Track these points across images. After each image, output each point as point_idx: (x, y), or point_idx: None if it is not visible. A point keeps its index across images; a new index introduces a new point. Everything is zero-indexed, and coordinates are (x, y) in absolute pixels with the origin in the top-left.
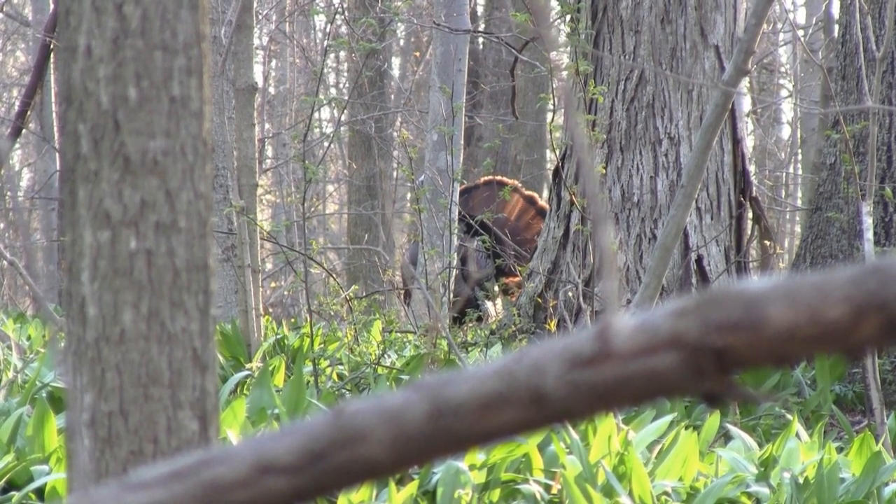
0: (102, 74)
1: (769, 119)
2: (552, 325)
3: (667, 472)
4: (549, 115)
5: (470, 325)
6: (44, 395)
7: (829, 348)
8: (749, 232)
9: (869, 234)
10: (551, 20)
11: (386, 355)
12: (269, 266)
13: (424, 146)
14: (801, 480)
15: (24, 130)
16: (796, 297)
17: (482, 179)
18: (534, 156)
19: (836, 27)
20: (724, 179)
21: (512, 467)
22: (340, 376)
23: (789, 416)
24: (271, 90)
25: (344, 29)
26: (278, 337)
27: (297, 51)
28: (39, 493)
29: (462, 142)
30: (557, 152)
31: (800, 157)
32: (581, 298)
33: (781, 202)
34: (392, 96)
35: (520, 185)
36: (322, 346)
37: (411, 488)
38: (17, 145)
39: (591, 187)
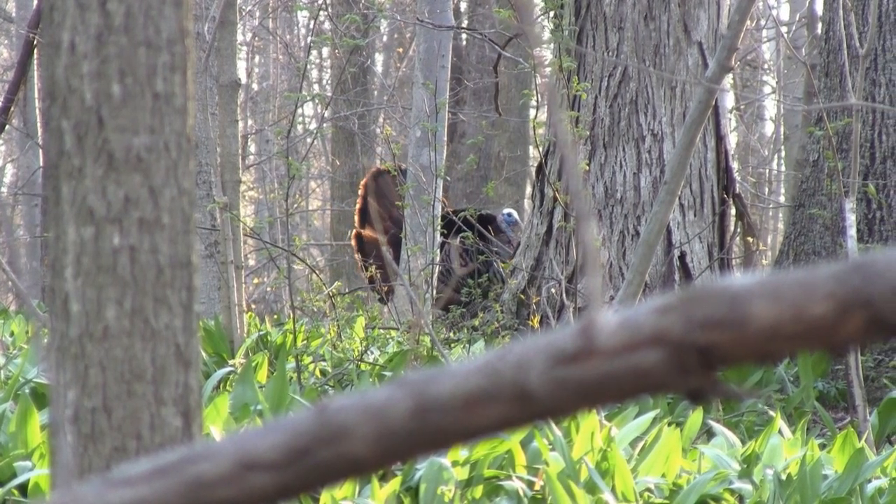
0: (86, 71)
1: (752, 116)
2: (535, 321)
3: (650, 469)
4: (533, 112)
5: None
6: (27, 391)
7: (813, 345)
8: (732, 229)
9: (852, 231)
10: (535, 16)
11: (369, 352)
12: (252, 262)
13: (408, 142)
14: (783, 477)
15: (7, 126)
16: (780, 294)
17: (371, 173)
18: (517, 152)
19: (820, 24)
20: (708, 176)
21: (495, 464)
22: (323, 373)
23: (772, 413)
24: (254, 86)
25: (327, 25)
26: (261, 333)
27: (280, 47)
28: (22, 489)
29: (445, 138)
30: (541, 149)
31: (783, 153)
32: (564, 295)
33: (765, 199)
34: (375, 93)
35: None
36: (305, 342)
37: (394, 485)
38: (0, 141)
39: (574, 184)
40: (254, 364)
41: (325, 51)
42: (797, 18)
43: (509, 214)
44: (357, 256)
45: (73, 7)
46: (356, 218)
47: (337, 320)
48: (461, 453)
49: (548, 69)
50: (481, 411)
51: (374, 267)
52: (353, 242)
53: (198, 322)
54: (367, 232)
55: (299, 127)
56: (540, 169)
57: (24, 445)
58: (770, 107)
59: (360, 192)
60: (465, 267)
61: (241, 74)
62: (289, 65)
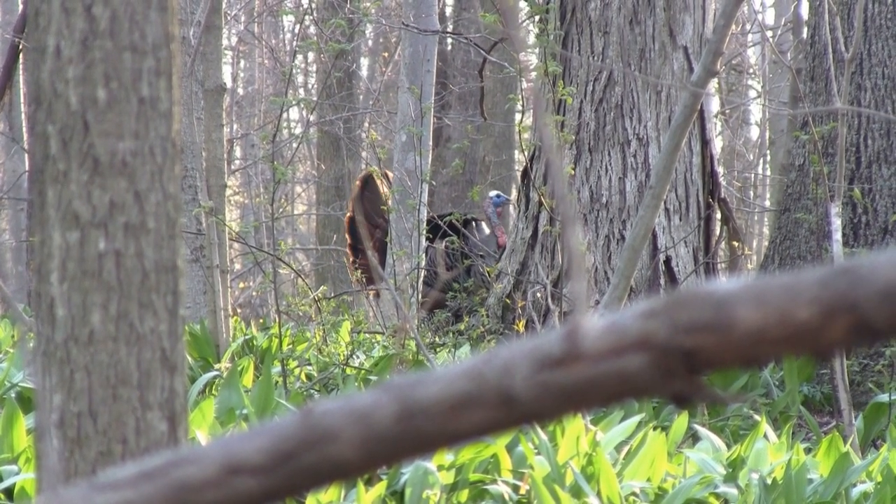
0: (71, 75)
1: (738, 120)
2: (521, 325)
3: (635, 473)
4: (518, 116)
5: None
6: (13, 395)
7: (799, 349)
8: (717, 233)
9: (838, 236)
10: (520, 21)
11: (354, 356)
12: (237, 267)
13: (393, 147)
14: (769, 481)
15: None
16: (765, 299)
17: (359, 183)
18: (502, 157)
19: (805, 28)
20: (693, 180)
21: (480, 468)
22: (309, 377)
23: (757, 417)
24: (240, 91)
25: (313, 30)
26: (247, 337)
27: (265, 52)
28: (8, 493)
29: (430, 143)
30: (526, 153)
31: (768, 158)
32: (549, 299)
33: (750, 203)
34: (361, 97)
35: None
36: (291, 346)
37: (380, 489)
38: None
39: (559, 188)
40: (239, 368)
41: (311, 55)
42: (783, 23)
43: (498, 195)
44: (347, 236)
45: (59, 11)
46: (351, 205)
47: (322, 324)
48: (447, 457)
49: (533, 73)
50: (466, 415)
51: (358, 268)
52: (345, 222)
53: (183, 326)
54: (360, 219)
55: (285, 131)
56: (525, 173)
57: (10, 450)
58: (755, 111)
59: (357, 183)
60: (449, 270)
61: (227, 79)
62: (274, 69)
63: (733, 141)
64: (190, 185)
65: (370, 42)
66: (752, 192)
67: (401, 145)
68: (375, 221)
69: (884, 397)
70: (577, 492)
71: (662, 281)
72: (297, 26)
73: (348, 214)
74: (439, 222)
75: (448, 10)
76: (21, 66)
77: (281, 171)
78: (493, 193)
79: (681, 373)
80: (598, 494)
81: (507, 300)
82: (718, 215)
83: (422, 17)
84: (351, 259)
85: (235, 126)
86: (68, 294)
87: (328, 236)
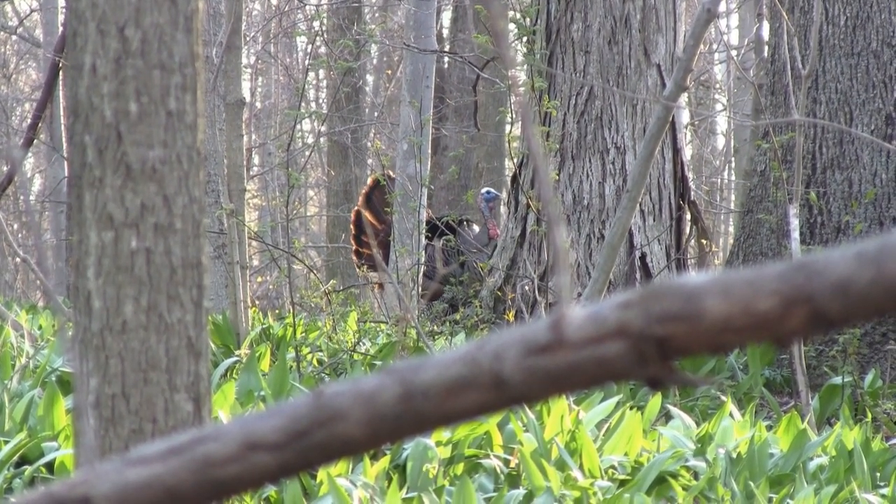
0: (106, 90)
1: (706, 130)
2: (510, 315)
3: (614, 448)
4: (508, 127)
5: (442, 316)
6: (53, 379)
7: (761, 337)
8: (687, 232)
9: (796, 234)
10: (510, 41)
11: (361, 343)
12: (256, 263)
13: (396, 155)
14: (734, 455)
15: (35, 141)
16: (731, 291)
17: (371, 182)
18: (494, 164)
19: (766, 48)
20: (666, 185)
21: (474, 444)
22: (320, 362)
23: (724, 398)
24: (258, 104)
25: (323, 49)
26: (264, 326)
27: (280, 69)
28: (49, 467)
29: (429, 151)
30: (515, 160)
31: (733, 164)
32: (537, 292)
33: (717, 205)
34: (366, 110)
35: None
36: (303, 334)
37: (384, 463)
38: (29, 154)
39: (545, 192)
40: (257, 354)
41: (322, 72)
42: (746, 43)
43: (489, 191)
44: (352, 227)
45: (95, 33)
46: (361, 199)
47: (332, 315)
48: (444, 434)
49: (521, 89)
50: (462, 397)
51: (361, 256)
52: (352, 216)
53: (207, 317)
54: (367, 213)
55: (298, 141)
56: (515, 179)
57: (51, 428)
58: (721, 122)
59: (369, 181)
60: (446, 266)
61: (246, 94)
62: (288, 85)
63: (702, 149)
64: (213, 189)
65: (375, 60)
66: (718, 196)
67: (402, 153)
68: (382, 218)
69: (837, 380)
70: (561, 465)
71: (638, 275)
72: (310, 46)
73: (356, 208)
74: (437, 223)
75: (445, 32)
76: (60, 83)
77: (295, 176)
78: (484, 190)
79: (655, 358)
80: (581, 467)
81: (499, 293)
82: (688, 216)
83: (421, 38)
84: (354, 247)
85: (254, 136)
86: (103, 288)
87: (337, 235)
